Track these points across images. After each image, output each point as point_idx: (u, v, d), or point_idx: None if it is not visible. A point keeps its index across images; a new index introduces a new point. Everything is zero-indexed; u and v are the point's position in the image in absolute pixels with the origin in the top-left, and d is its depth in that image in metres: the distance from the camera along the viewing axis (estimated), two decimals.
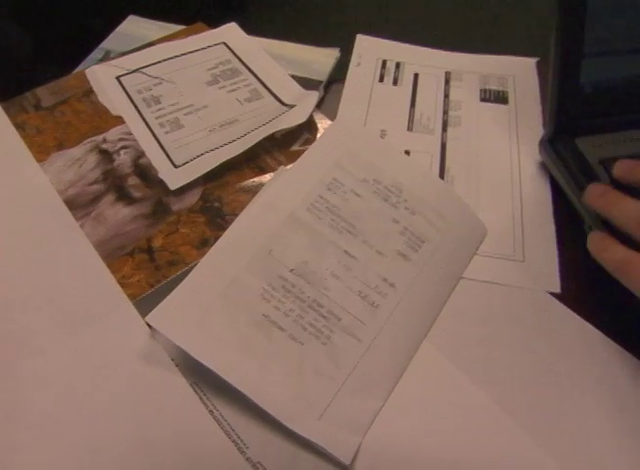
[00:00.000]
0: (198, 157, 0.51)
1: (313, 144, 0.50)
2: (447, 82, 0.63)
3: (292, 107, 0.55)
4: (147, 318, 0.40)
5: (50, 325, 0.41)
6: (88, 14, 0.67)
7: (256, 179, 0.51)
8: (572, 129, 0.53)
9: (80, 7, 0.70)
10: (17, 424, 0.37)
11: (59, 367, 0.40)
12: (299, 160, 0.49)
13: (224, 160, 0.50)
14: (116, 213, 0.47)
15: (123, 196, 0.49)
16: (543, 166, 0.55)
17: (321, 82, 0.59)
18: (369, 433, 0.40)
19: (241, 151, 0.51)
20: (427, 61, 0.65)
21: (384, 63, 0.65)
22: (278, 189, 0.48)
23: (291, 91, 0.58)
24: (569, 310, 0.46)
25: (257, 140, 0.51)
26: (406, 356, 0.43)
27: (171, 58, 0.60)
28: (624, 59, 0.53)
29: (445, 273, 0.46)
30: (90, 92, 0.57)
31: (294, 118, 0.53)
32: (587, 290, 0.47)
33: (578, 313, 0.46)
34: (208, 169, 0.50)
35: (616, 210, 0.42)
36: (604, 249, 0.42)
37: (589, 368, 0.43)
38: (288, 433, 0.40)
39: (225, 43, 0.62)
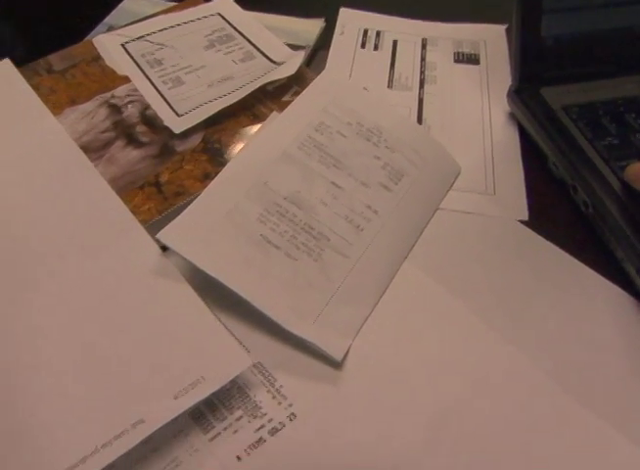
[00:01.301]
0: (198, 107, 0.56)
1: (302, 93, 0.55)
2: (424, 47, 0.68)
3: (281, 63, 0.61)
4: (158, 236, 0.44)
5: (69, 250, 0.46)
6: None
7: (252, 125, 0.55)
8: (536, 80, 0.59)
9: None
10: (36, 341, 0.42)
11: (77, 286, 0.44)
12: (290, 106, 0.54)
13: (222, 107, 0.55)
14: (127, 155, 0.52)
15: (132, 141, 0.54)
16: (512, 116, 0.61)
17: (309, 46, 0.64)
18: (358, 337, 0.45)
19: (236, 100, 0.55)
20: (405, 29, 0.71)
21: (365, 31, 0.70)
22: (271, 131, 0.53)
23: (280, 52, 0.63)
24: (535, 234, 0.51)
25: (251, 90, 0.56)
26: (390, 272, 0.48)
27: (171, 27, 0.65)
28: (583, 14, 0.58)
29: (423, 203, 0.52)
30: (98, 58, 0.62)
31: (283, 72, 0.58)
32: (552, 217, 0.54)
33: (544, 237, 0.52)
34: (208, 116, 0.54)
35: None
36: None
37: (554, 282, 0.49)
38: (285, 336, 0.44)
39: (220, 14, 0.68)
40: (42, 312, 0.43)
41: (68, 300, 0.43)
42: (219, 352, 0.42)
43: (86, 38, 0.65)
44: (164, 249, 0.46)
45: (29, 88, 0.56)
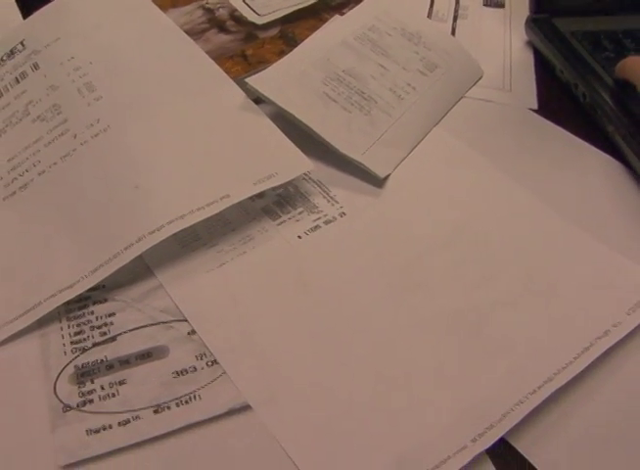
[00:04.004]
0: (275, 11, 0.68)
1: (359, 5, 0.67)
2: None
3: None
4: (247, 80, 0.55)
5: (175, 92, 0.57)
6: None
7: (319, 24, 0.67)
8: (549, 11, 0.70)
9: None
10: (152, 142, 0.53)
11: (182, 118, 0.55)
12: (348, 13, 0.66)
13: (293, 10, 0.67)
14: (219, 38, 0.63)
15: (223, 30, 0.65)
16: (529, 43, 0.71)
17: None
18: (396, 170, 0.56)
19: (304, 6, 0.68)
20: None
21: None
22: (334, 26, 0.64)
23: None
24: (542, 118, 0.63)
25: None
26: (423, 130, 0.59)
27: None
28: None
29: (451, 88, 0.62)
30: None
31: None
32: (556, 107, 0.64)
33: (550, 120, 0.63)
34: (282, 15, 0.66)
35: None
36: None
37: (556, 152, 0.60)
38: (341, 162, 0.55)
39: None
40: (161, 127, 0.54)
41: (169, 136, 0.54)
42: (290, 158, 0.52)
43: None
44: (257, 102, 0.56)
45: None
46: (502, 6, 0.75)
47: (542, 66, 0.68)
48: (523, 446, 0.39)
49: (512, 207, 0.52)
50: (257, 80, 0.55)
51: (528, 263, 0.48)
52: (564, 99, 0.64)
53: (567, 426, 0.40)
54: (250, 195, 0.48)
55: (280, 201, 0.51)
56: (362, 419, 0.39)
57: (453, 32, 0.71)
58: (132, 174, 0.49)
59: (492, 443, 0.37)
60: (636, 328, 0.43)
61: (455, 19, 0.73)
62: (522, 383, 0.40)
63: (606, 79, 0.61)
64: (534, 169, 0.56)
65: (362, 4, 0.65)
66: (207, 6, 0.66)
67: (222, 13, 0.65)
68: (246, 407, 0.40)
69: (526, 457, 0.39)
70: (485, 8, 0.75)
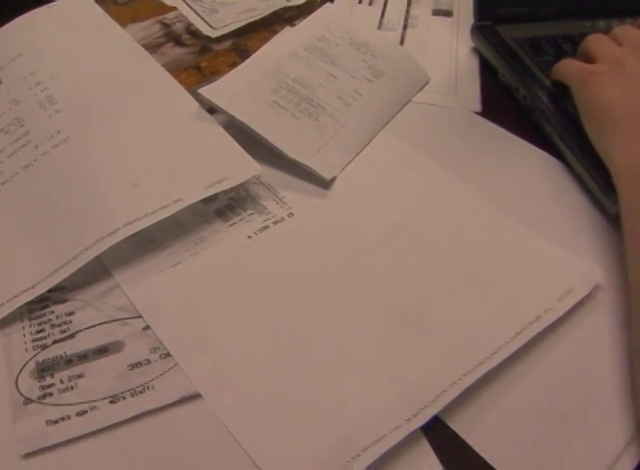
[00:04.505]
0: (229, 24, 0.71)
1: (310, 16, 0.70)
2: (409, 5, 0.84)
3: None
4: (199, 90, 0.58)
5: (135, 101, 0.60)
6: None
7: (270, 36, 0.70)
8: (492, 19, 0.74)
9: None
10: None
11: (138, 127, 0.58)
12: (299, 24, 0.69)
13: (246, 23, 0.70)
14: (175, 52, 0.67)
15: (179, 43, 0.68)
16: (474, 50, 0.75)
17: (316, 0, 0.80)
18: (342, 173, 0.59)
19: (257, 19, 0.71)
20: None
21: None
22: (285, 37, 0.68)
23: None
24: (485, 120, 0.66)
25: (270, 11, 0.71)
26: (369, 134, 0.62)
27: None
28: None
29: (397, 94, 0.65)
30: None
31: (294, 2, 0.74)
32: (498, 109, 0.68)
33: (492, 122, 0.66)
34: (236, 28, 0.70)
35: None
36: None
37: (497, 150, 0.64)
38: (289, 166, 0.58)
39: None
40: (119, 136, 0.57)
41: (126, 139, 0.57)
42: (239, 163, 0.54)
43: None
44: (211, 111, 0.58)
45: (102, 11, 0.71)
46: (450, 15, 0.79)
47: (487, 70, 0.71)
48: (457, 424, 0.42)
49: (452, 203, 0.56)
50: (210, 91, 0.58)
51: (467, 256, 0.51)
52: (506, 102, 0.67)
53: (498, 406, 0.43)
54: (200, 198, 0.51)
55: (231, 204, 0.53)
56: (307, 404, 0.42)
57: (402, 41, 0.74)
58: (90, 181, 0.52)
59: (425, 421, 0.40)
60: (566, 314, 0.47)
61: (405, 28, 0.76)
62: (456, 366, 0.43)
63: (545, 82, 0.64)
64: (477, 168, 0.60)
65: (312, 16, 0.68)
66: (165, 21, 0.69)
67: (178, 27, 0.68)
68: (196, 396, 0.42)
69: (460, 435, 0.42)
70: (434, 17, 0.79)
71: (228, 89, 0.58)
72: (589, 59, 0.58)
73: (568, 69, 0.59)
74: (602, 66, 0.56)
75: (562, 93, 0.60)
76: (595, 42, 0.59)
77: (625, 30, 0.59)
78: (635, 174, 0.49)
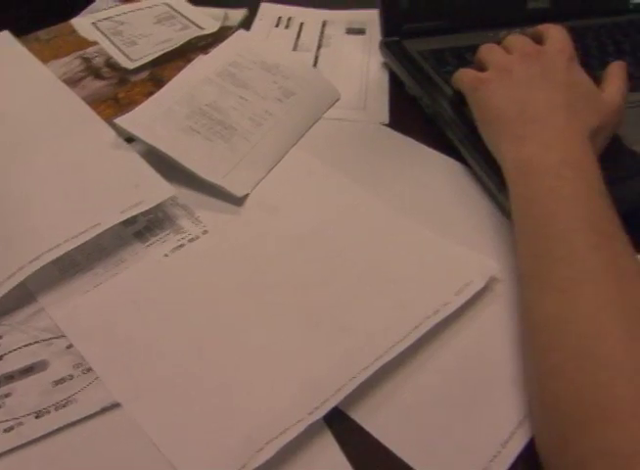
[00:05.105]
0: (146, 55, 0.75)
1: (222, 43, 0.75)
2: (324, 26, 0.88)
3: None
4: (116, 120, 0.62)
5: (55, 132, 0.64)
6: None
7: (186, 65, 0.74)
8: (398, 34, 0.78)
9: None
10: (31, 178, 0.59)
11: (57, 158, 0.61)
12: (212, 52, 0.73)
13: (161, 53, 0.74)
14: (94, 85, 0.70)
15: (99, 76, 0.71)
16: (385, 64, 0.79)
17: (232, 27, 0.84)
18: (254, 190, 0.63)
19: (172, 48, 0.74)
20: (311, 15, 0.89)
21: (279, 18, 0.89)
22: (198, 65, 0.72)
23: (208, 23, 0.82)
24: (393, 131, 0.70)
25: (183, 41, 0.75)
26: (280, 152, 0.65)
27: (130, 11, 0.84)
28: None
29: (307, 111, 0.69)
30: (74, 31, 0.80)
31: (207, 30, 0.78)
32: (405, 120, 0.72)
33: (400, 132, 0.70)
34: (152, 58, 0.74)
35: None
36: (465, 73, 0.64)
37: (405, 158, 0.68)
38: (204, 187, 0.62)
39: (166, 3, 0.88)
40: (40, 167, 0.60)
41: (49, 170, 0.61)
42: (154, 186, 0.58)
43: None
44: (128, 141, 0.62)
45: (24, 49, 0.75)
46: (363, 32, 0.83)
47: (395, 84, 0.76)
48: (359, 415, 0.46)
49: (357, 212, 0.59)
50: (126, 120, 0.61)
51: (370, 260, 0.55)
52: (413, 112, 0.71)
53: (399, 395, 0.47)
54: (117, 222, 0.54)
55: (149, 225, 0.57)
56: (218, 407, 0.46)
57: (316, 60, 0.79)
58: (13, 211, 0.55)
59: (324, 413, 0.43)
60: (465, 306, 0.51)
61: (319, 48, 0.81)
62: (356, 361, 0.46)
63: (446, 91, 0.68)
64: (384, 177, 0.64)
65: (224, 43, 0.72)
66: (85, 56, 0.73)
67: (98, 61, 0.72)
68: (116, 405, 0.46)
69: (362, 425, 0.45)
70: (348, 35, 0.83)
71: (143, 118, 0.62)
72: (482, 67, 0.62)
73: (462, 77, 0.63)
74: (491, 73, 0.60)
75: (461, 100, 0.64)
76: (486, 51, 0.63)
77: (514, 39, 0.63)
78: (522, 172, 0.53)
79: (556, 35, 0.61)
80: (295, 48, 0.81)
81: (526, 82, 0.58)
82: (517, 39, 0.63)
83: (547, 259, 0.47)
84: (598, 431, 0.37)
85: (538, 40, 0.62)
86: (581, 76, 0.59)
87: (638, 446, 0.35)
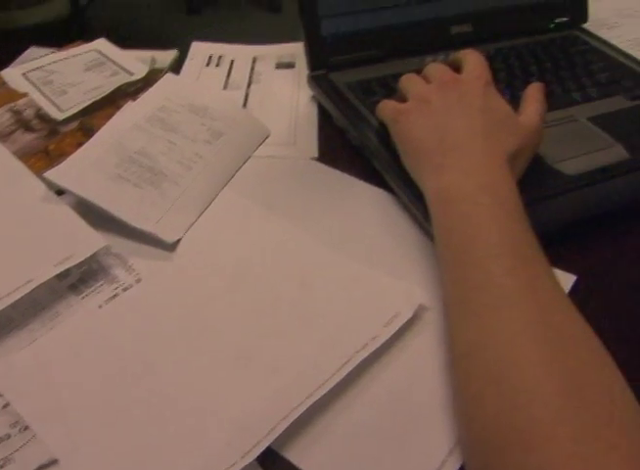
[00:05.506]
0: (76, 105, 0.77)
1: (150, 88, 0.76)
2: (254, 62, 0.90)
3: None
4: (45, 174, 0.63)
5: None
6: None
7: (115, 112, 0.76)
8: (325, 68, 0.79)
9: None
10: None
11: None
12: (140, 97, 0.75)
13: (91, 102, 0.75)
14: (25, 138, 0.71)
15: (29, 129, 0.73)
16: (314, 98, 0.81)
17: (162, 69, 0.86)
18: (187, 234, 0.64)
19: (101, 97, 0.76)
20: (241, 52, 0.91)
21: (210, 56, 0.91)
22: (127, 111, 0.73)
23: (138, 68, 0.84)
24: (322, 164, 0.72)
25: (112, 89, 0.77)
26: (210, 195, 0.67)
27: (60, 60, 0.86)
28: (353, 17, 0.80)
29: (237, 152, 0.71)
30: (4, 83, 0.80)
31: (136, 76, 0.80)
32: (334, 153, 0.74)
33: (329, 166, 0.72)
34: (82, 108, 0.75)
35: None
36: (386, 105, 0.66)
37: (334, 191, 0.70)
38: (137, 235, 0.63)
39: (96, 50, 0.89)
40: None
41: None
42: (85, 238, 0.59)
43: None
44: (59, 193, 0.63)
45: None
46: (293, 66, 0.86)
47: (325, 117, 0.77)
48: (292, 454, 0.46)
49: (287, 249, 0.61)
50: (55, 173, 0.63)
51: (301, 296, 0.57)
52: (342, 144, 0.73)
53: (333, 430, 0.47)
54: (50, 277, 0.55)
55: (83, 277, 0.58)
56: (155, 453, 0.47)
57: (247, 98, 0.81)
58: None
59: (256, 455, 0.44)
60: (395, 337, 0.52)
61: (249, 85, 0.82)
62: (287, 401, 0.47)
63: (372, 122, 0.70)
64: (315, 212, 0.65)
65: (152, 88, 0.73)
66: (15, 108, 0.74)
67: (29, 113, 0.73)
68: (54, 461, 0.46)
69: (296, 464, 0.46)
70: (277, 70, 0.86)
71: (73, 170, 0.63)
72: (404, 97, 0.64)
73: (384, 109, 0.65)
74: (411, 104, 0.62)
75: (385, 131, 0.65)
76: (406, 82, 0.65)
77: (433, 68, 0.65)
78: (441, 201, 0.54)
79: (473, 62, 0.63)
80: (225, 87, 0.82)
81: (445, 111, 0.59)
82: (435, 68, 0.64)
83: (466, 287, 0.48)
84: (517, 455, 0.39)
85: (457, 67, 0.64)
86: (498, 101, 0.60)
87: (556, 468, 0.36)
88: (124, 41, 0.86)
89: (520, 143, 0.58)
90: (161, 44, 0.86)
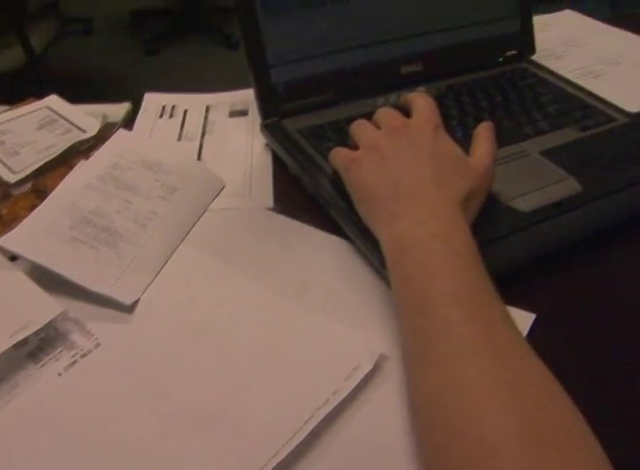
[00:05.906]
0: (28, 166, 0.76)
1: (102, 146, 0.76)
2: (207, 111, 0.90)
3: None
4: None
5: None
6: None
7: (68, 172, 0.76)
8: (276, 115, 0.80)
9: None
10: None
11: None
12: (92, 156, 0.75)
13: (44, 163, 0.75)
14: None
15: None
16: (267, 146, 0.82)
17: (115, 124, 0.86)
18: (145, 294, 0.64)
19: (54, 157, 0.76)
20: (194, 101, 0.92)
21: (163, 107, 0.92)
22: (80, 171, 0.73)
23: (90, 124, 0.84)
24: (277, 214, 0.72)
25: (65, 148, 0.77)
26: (167, 252, 0.67)
27: (12, 119, 0.86)
28: (302, 64, 0.80)
29: (192, 206, 0.71)
30: None
31: (88, 133, 0.80)
32: (289, 202, 0.74)
33: (284, 215, 0.72)
34: (34, 169, 0.75)
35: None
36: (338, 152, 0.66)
37: (291, 242, 0.70)
38: (96, 299, 0.62)
39: (48, 107, 0.89)
40: None
41: None
42: (41, 306, 0.59)
43: None
44: (12, 259, 0.63)
45: None
46: (246, 113, 0.86)
47: (279, 165, 0.78)
48: None
49: (245, 304, 0.61)
50: (9, 240, 0.62)
51: (260, 352, 0.56)
52: (297, 193, 0.73)
53: None
54: (6, 348, 0.54)
55: (41, 345, 0.57)
56: None
57: (201, 149, 0.81)
58: None
59: None
60: (357, 390, 0.52)
61: (203, 135, 0.82)
62: (251, 464, 0.48)
63: (326, 169, 0.70)
64: (271, 263, 0.65)
65: (105, 145, 0.73)
66: None
67: None
68: None
69: None
70: (231, 119, 0.86)
71: (26, 235, 0.63)
72: (355, 145, 0.64)
73: (336, 157, 0.65)
74: (362, 152, 0.62)
75: (339, 178, 0.65)
76: (356, 129, 0.66)
77: (382, 113, 0.65)
78: (396, 250, 0.55)
79: (421, 105, 0.63)
80: (180, 138, 0.82)
81: (395, 157, 0.60)
82: (385, 113, 0.65)
83: (424, 337, 0.48)
84: None
85: (408, 110, 0.65)
86: (448, 144, 0.61)
87: None
88: (82, 86, 0.86)
89: (471, 186, 0.58)
90: (119, 87, 0.86)
